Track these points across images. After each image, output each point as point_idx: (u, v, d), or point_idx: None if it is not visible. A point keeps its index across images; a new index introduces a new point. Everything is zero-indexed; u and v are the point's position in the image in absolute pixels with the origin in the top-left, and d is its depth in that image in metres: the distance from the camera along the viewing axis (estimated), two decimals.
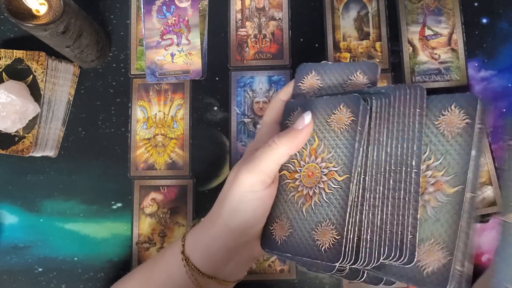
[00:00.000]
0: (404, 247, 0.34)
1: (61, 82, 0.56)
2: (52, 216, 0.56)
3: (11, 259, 0.56)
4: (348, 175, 0.36)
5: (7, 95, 0.51)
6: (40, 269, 0.56)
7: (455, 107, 0.35)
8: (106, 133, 0.58)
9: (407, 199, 0.35)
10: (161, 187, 0.57)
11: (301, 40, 0.59)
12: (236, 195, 0.39)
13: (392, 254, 0.34)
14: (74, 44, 0.52)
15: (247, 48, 0.59)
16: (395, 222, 0.35)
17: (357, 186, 0.36)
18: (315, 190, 0.38)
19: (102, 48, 0.57)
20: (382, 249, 0.35)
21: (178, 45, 0.59)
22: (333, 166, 0.37)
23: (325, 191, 0.37)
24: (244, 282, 0.50)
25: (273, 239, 0.39)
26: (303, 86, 0.43)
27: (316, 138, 0.39)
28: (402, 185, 0.35)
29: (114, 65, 0.59)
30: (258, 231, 0.41)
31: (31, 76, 0.54)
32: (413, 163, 0.35)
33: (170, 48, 0.59)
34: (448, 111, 0.35)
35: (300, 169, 0.39)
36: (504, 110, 0.56)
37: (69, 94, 0.58)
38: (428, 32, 0.58)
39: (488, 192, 0.52)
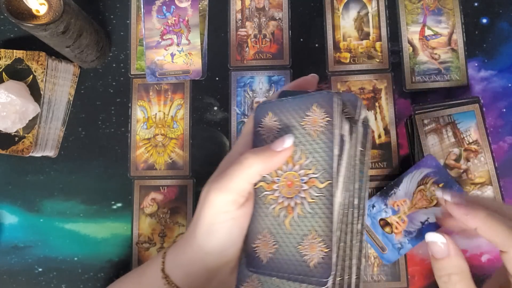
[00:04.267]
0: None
1: (61, 82, 0.56)
2: (52, 216, 0.56)
3: (11, 259, 0.56)
4: (330, 181, 0.33)
5: (7, 95, 0.51)
6: (40, 269, 0.56)
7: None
8: (106, 133, 0.58)
9: (352, 242, 0.34)
10: (161, 187, 0.57)
11: (301, 40, 0.59)
12: (207, 217, 0.37)
13: None
14: (74, 44, 0.52)
15: (247, 48, 0.59)
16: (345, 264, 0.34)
17: (343, 193, 0.34)
18: (296, 200, 0.35)
19: (102, 48, 0.57)
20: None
21: (178, 45, 0.59)
22: (313, 173, 0.34)
23: (307, 200, 0.34)
24: None
25: (258, 258, 0.36)
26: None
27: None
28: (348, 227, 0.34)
29: (114, 65, 0.59)
30: (236, 251, 0.38)
31: (31, 76, 0.54)
32: (355, 202, 0.34)
33: (170, 48, 0.59)
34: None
35: (278, 179, 0.36)
36: (504, 110, 0.56)
37: (69, 94, 0.58)
38: (428, 32, 0.58)
39: (488, 192, 0.52)
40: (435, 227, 0.51)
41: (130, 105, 0.58)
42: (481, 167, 0.52)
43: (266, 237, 0.36)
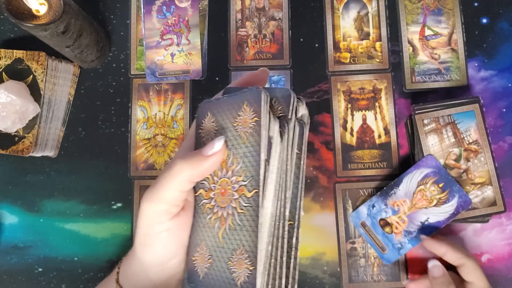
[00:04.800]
0: None
1: (61, 82, 0.56)
2: (52, 216, 0.56)
3: (11, 259, 0.56)
4: (257, 190, 0.30)
5: (7, 95, 0.51)
6: (40, 269, 0.56)
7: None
8: (106, 133, 0.58)
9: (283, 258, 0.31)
10: None
11: (301, 40, 0.59)
12: (142, 229, 0.34)
13: None
14: (74, 44, 0.52)
15: (247, 48, 0.59)
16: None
17: (274, 203, 0.31)
18: (228, 210, 0.32)
19: (102, 48, 0.57)
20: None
21: (178, 45, 0.59)
22: (242, 180, 0.31)
23: (237, 211, 0.31)
24: None
25: (196, 273, 0.33)
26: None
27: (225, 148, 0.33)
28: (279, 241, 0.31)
29: (114, 65, 0.59)
30: (179, 264, 0.36)
31: (31, 76, 0.54)
32: (287, 213, 0.31)
33: (170, 48, 0.58)
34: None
35: (214, 186, 0.33)
36: (504, 110, 0.56)
37: (69, 94, 0.58)
38: (428, 32, 0.58)
39: (488, 192, 0.52)
40: (435, 227, 0.51)
41: (130, 105, 0.58)
42: (481, 167, 0.52)
43: (203, 250, 0.33)
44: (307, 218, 0.55)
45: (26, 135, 0.53)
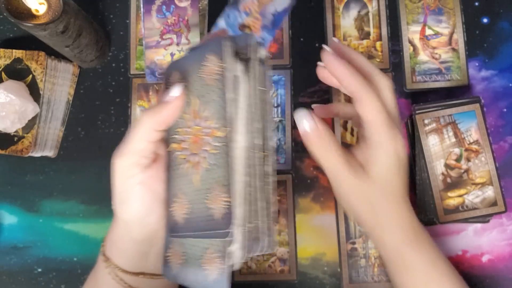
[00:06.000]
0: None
1: (60, 82, 0.56)
2: (52, 216, 0.56)
3: (11, 259, 0.56)
4: (229, 128, 0.32)
5: (6, 95, 0.51)
6: (39, 270, 0.55)
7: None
8: (106, 133, 0.58)
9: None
10: None
11: (301, 40, 0.59)
12: (116, 185, 0.36)
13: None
14: (73, 44, 0.52)
15: None
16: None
17: (245, 136, 0.33)
18: (201, 155, 0.34)
19: (102, 47, 0.57)
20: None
21: (178, 44, 0.58)
22: (214, 123, 0.33)
23: (210, 152, 0.33)
24: (244, 282, 0.50)
25: (175, 221, 0.35)
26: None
27: (195, 98, 0.35)
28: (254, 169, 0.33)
29: (113, 64, 0.59)
30: (158, 219, 0.37)
31: (31, 76, 0.54)
32: (258, 143, 0.34)
33: (170, 48, 0.58)
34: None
35: (187, 137, 0.35)
36: (505, 110, 0.56)
37: (69, 94, 0.58)
38: (428, 31, 0.58)
39: (489, 192, 0.51)
40: (285, 12, 0.56)
41: (129, 105, 0.58)
42: (482, 167, 0.52)
43: (180, 198, 0.35)
44: (307, 219, 0.55)
45: (25, 135, 0.53)
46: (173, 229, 0.36)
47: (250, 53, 0.34)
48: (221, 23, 0.56)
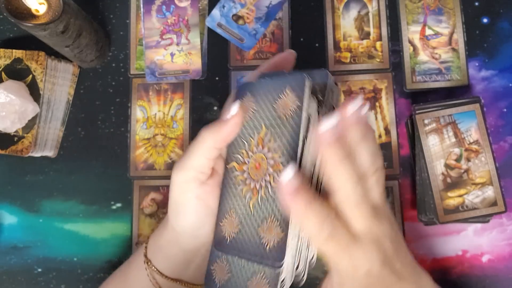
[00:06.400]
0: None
1: (60, 82, 0.56)
2: (52, 216, 0.56)
3: (11, 259, 0.56)
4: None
5: (6, 95, 0.51)
6: (39, 270, 0.55)
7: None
8: (106, 133, 0.58)
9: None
10: (160, 187, 0.56)
11: (301, 40, 0.59)
12: (174, 197, 0.37)
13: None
14: (73, 44, 0.52)
15: None
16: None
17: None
18: (261, 183, 0.35)
19: (102, 47, 0.57)
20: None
21: (177, 44, 0.58)
22: (279, 157, 0.34)
23: (271, 184, 0.34)
24: None
25: (223, 237, 0.37)
26: None
27: (263, 126, 0.36)
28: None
29: (113, 64, 0.59)
30: (209, 233, 0.38)
31: (31, 76, 0.54)
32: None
33: (170, 48, 0.58)
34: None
35: (248, 160, 0.36)
36: (505, 110, 0.56)
37: (69, 94, 0.58)
38: (428, 31, 0.58)
39: (489, 192, 0.51)
40: (280, 5, 0.56)
41: (129, 105, 0.58)
42: (482, 167, 0.52)
43: (232, 216, 0.36)
44: None
45: (25, 135, 0.53)
46: (220, 244, 0.37)
47: (327, 95, 0.35)
48: (216, 13, 0.56)
